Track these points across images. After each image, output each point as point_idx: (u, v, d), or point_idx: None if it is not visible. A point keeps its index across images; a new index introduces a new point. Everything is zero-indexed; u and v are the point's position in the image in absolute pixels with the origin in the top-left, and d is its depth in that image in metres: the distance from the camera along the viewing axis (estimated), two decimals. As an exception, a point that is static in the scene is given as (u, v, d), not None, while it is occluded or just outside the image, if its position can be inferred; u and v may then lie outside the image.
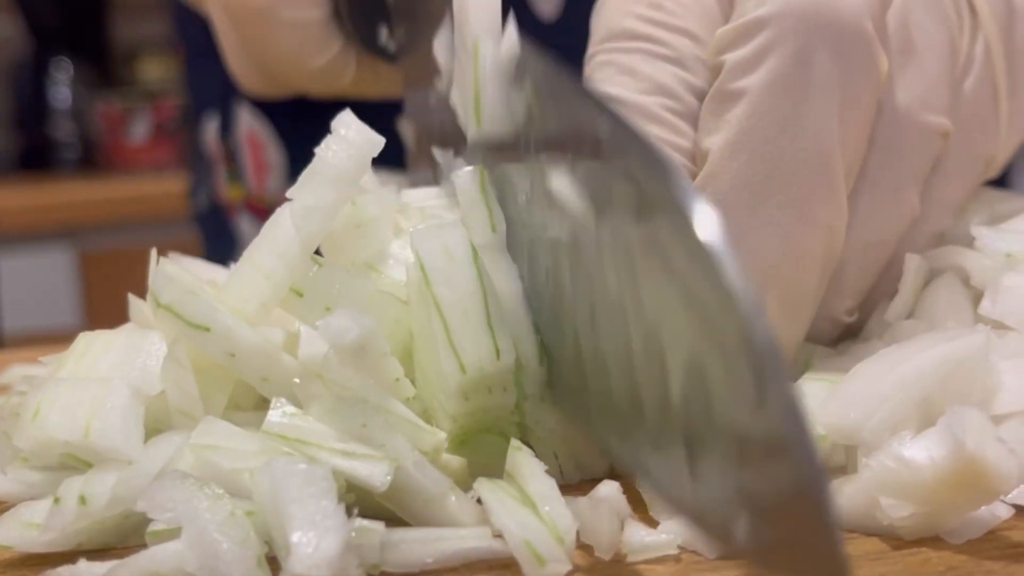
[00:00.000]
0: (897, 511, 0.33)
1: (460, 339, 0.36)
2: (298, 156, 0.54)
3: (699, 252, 0.26)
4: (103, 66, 2.09)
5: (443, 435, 0.37)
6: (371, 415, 0.35)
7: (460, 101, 0.41)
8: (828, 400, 0.35)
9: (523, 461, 0.35)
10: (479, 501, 0.35)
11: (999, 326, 0.40)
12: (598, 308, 0.33)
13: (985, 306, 0.40)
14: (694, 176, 0.39)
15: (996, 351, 0.37)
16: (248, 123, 0.68)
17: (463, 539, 0.34)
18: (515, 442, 0.36)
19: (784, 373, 0.25)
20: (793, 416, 0.25)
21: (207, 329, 0.37)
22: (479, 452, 0.38)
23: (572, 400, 0.37)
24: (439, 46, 0.44)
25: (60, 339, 0.48)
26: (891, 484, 0.33)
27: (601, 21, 0.42)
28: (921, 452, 0.33)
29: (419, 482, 0.34)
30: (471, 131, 0.39)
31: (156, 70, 2.05)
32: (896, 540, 0.34)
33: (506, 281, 0.37)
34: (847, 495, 0.34)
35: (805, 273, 0.38)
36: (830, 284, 0.40)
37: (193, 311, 0.37)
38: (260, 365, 0.37)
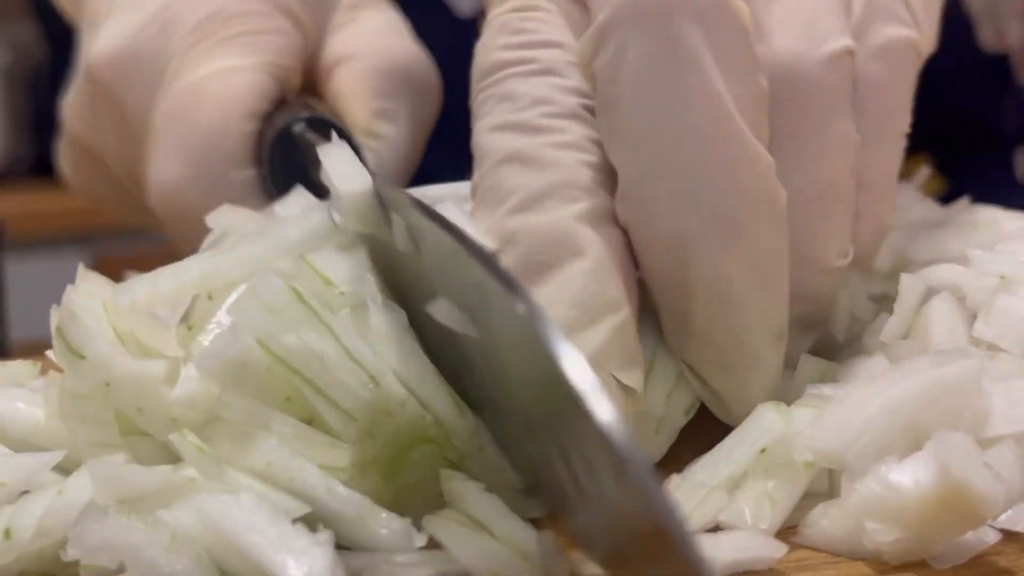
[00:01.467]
0: (883, 536, 0.33)
1: (331, 388, 0.34)
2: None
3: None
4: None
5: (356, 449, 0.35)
6: (273, 451, 0.34)
7: None
8: (814, 424, 0.35)
9: (459, 487, 0.34)
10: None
11: (992, 347, 0.39)
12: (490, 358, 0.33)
13: (978, 327, 0.40)
14: (599, 177, 0.39)
15: (987, 373, 0.37)
16: None
17: (390, 565, 0.33)
18: (445, 472, 0.35)
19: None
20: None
21: (82, 357, 0.36)
22: (412, 468, 0.36)
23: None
24: None
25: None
26: (877, 508, 0.33)
27: (476, 64, 0.42)
28: (907, 477, 0.33)
29: (335, 509, 0.33)
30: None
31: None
32: (882, 565, 0.33)
33: (378, 320, 0.36)
34: (832, 518, 0.34)
35: (758, 237, 0.37)
36: (800, 236, 0.39)
37: (72, 336, 0.36)
38: (135, 395, 0.36)
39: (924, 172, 0.57)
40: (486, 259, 0.31)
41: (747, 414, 0.38)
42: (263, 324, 0.35)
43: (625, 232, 0.38)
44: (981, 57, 0.75)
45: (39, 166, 2.04)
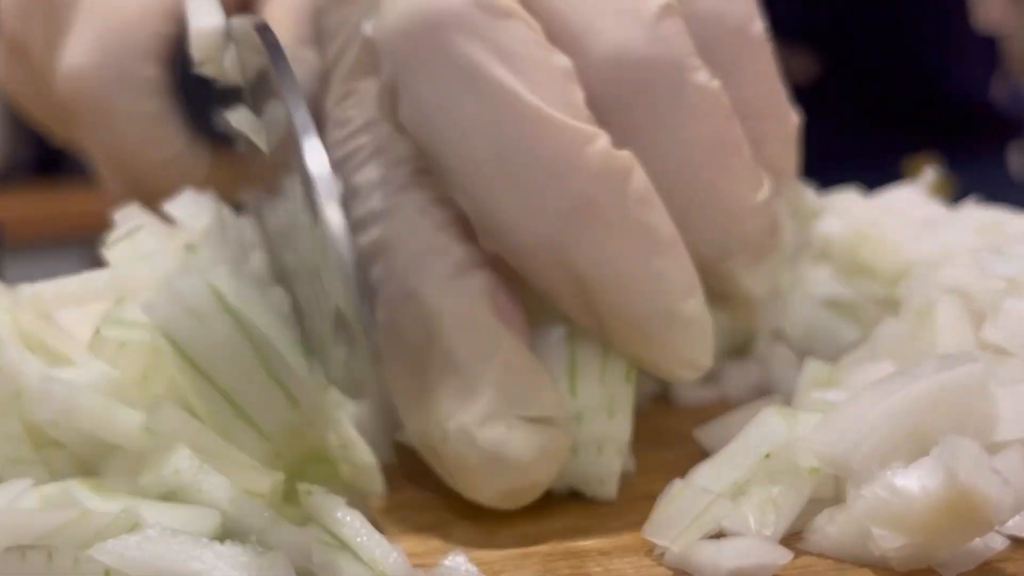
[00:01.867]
0: (889, 542, 0.33)
1: (248, 404, 0.33)
2: None
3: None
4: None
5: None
6: (184, 460, 0.33)
7: None
8: (819, 429, 0.35)
9: (320, 503, 0.33)
10: None
11: (1000, 351, 0.39)
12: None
13: (986, 331, 0.40)
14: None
15: (995, 377, 0.37)
16: None
17: None
18: (304, 486, 0.33)
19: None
20: None
21: None
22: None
23: None
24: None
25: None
26: (883, 515, 0.32)
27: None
28: (914, 482, 0.32)
29: (240, 521, 0.32)
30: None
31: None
32: (888, 571, 0.33)
33: (267, 313, 0.35)
34: (838, 525, 0.34)
35: (616, 209, 0.37)
36: (710, 196, 0.39)
37: None
38: (47, 404, 0.34)
39: (931, 174, 0.57)
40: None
41: (694, 376, 0.38)
42: (182, 327, 0.33)
43: (494, 265, 0.38)
44: (976, 37, 0.75)
45: (39, 168, 2.04)
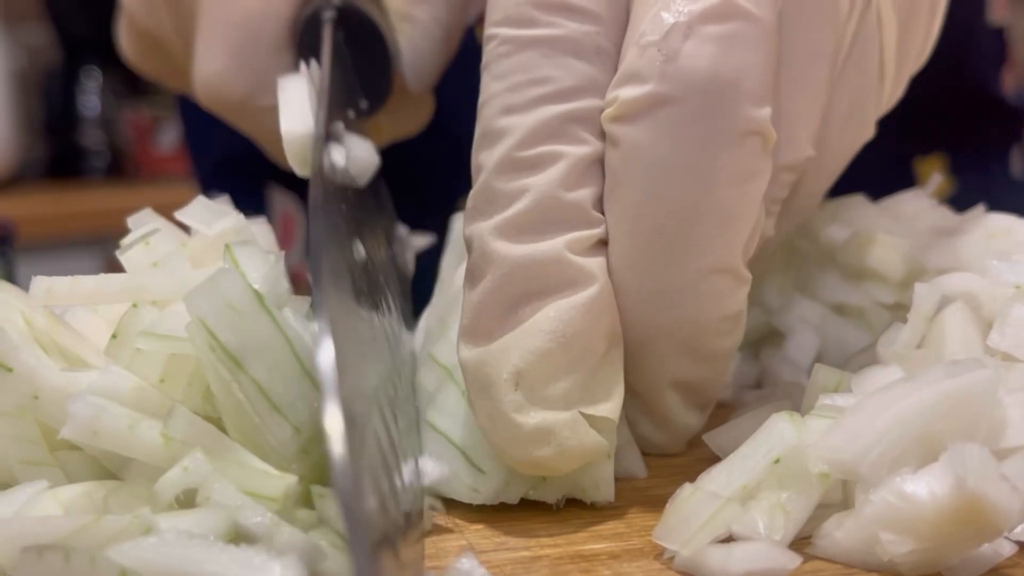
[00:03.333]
0: (898, 547, 0.33)
1: (280, 397, 0.33)
2: None
3: None
4: (132, 75, 2.09)
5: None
6: (193, 463, 0.33)
7: None
8: (828, 435, 0.35)
9: (332, 506, 0.33)
10: None
11: (1007, 358, 0.39)
12: None
13: (994, 337, 0.40)
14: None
15: (1003, 384, 0.37)
16: (283, 203, 0.69)
17: None
18: (318, 489, 0.34)
19: None
20: None
21: (9, 369, 0.35)
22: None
23: None
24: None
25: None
26: (892, 520, 0.33)
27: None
28: (923, 488, 0.32)
29: (245, 527, 0.32)
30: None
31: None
32: (896, 576, 0.33)
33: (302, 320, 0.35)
34: (847, 530, 0.34)
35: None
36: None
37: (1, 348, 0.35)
38: (64, 407, 0.34)
39: (937, 179, 0.57)
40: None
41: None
42: (222, 318, 0.34)
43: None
44: (989, 30, 0.76)
45: (53, 168, 2.05)
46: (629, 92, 0.37)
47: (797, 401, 0.42)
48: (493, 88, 0.38)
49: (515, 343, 0.36)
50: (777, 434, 0.36)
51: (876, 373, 0.41)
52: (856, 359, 0.44)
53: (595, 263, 0.37)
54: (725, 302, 0.38)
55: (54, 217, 1.77)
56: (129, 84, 2.07)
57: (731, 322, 0.39)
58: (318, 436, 0.34)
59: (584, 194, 0.37)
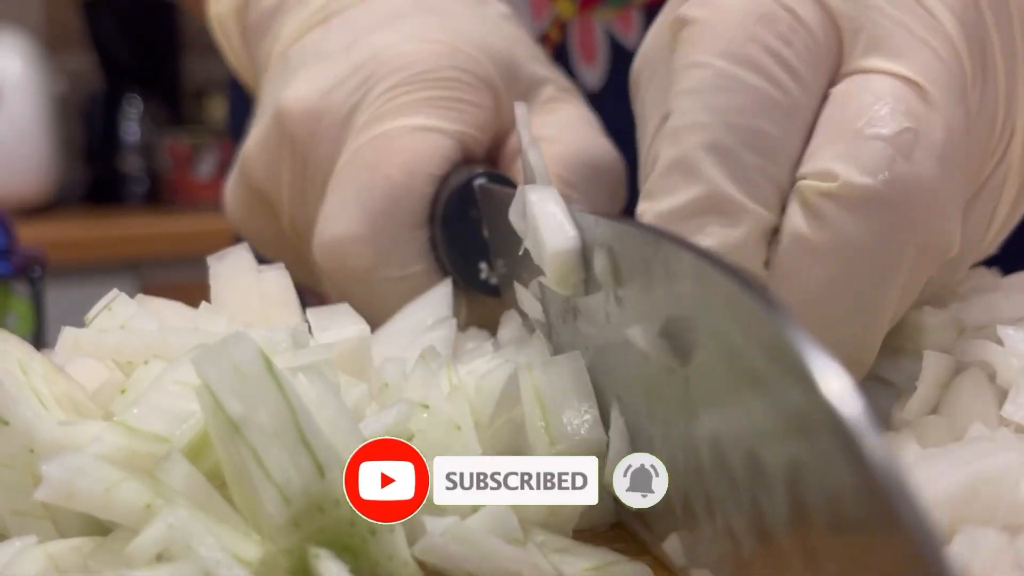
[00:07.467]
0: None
1: (274, 465, 0.32)
2: None
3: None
4: (173, 103, 2.12)
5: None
6: (179, 516, 0.32)
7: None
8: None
9: (327, 567, 0.32)
10: None
11: (1021, 429, 0.38)
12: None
13: (1008, 409, 0.39)
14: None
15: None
16: None
17: None
18: (314, 550, 0.32)
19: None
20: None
21: (6, 423, 0.34)
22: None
23: None
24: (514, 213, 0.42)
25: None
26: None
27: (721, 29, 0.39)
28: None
29: None
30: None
31: (224, 109, 2.08)
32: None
33: (316, 388, 0.35)
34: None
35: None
36: None
37: None
38: None
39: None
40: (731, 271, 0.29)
41: None
42: (225, 382, 0.33)
43: None
44: None
45: (92, 193, 2.07)
46: (857, 179, 0.37)
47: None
48: (698, 117, 0.38)
49: None
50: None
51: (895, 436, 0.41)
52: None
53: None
54: None
55: (89, 242, 1.79)
56: (170, 112, 2.10)
57: None
58: (311, 508, 0.33)
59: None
